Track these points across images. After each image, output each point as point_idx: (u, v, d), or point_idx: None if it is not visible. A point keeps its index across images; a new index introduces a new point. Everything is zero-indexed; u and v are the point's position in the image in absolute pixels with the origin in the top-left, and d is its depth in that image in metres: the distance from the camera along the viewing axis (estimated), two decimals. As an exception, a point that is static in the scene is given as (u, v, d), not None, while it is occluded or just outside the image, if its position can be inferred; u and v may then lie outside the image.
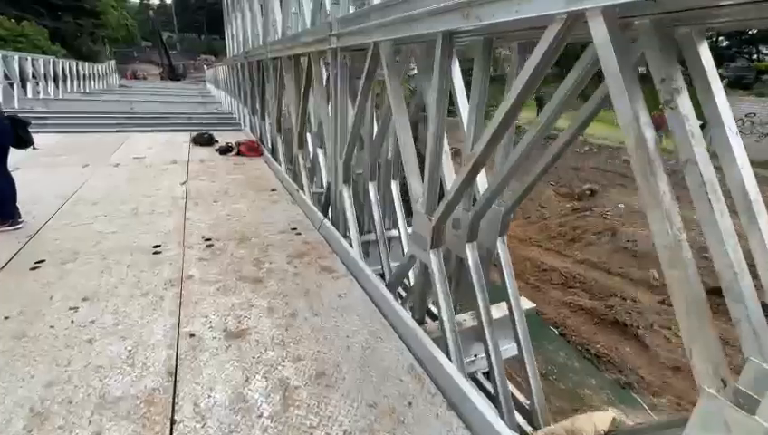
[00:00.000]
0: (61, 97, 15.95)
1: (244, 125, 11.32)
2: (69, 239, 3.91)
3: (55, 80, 16.36)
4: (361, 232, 4.83)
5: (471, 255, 2.99)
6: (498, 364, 2.94)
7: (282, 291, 3.21)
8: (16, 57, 13.88)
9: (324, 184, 5.29)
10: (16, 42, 22.32)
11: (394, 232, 5.12)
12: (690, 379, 7.57)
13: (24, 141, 4.08)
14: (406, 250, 4.60)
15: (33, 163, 6.40)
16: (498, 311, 3.39)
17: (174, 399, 2.10)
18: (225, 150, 8.23)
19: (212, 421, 1.98)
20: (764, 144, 15.82)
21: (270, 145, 8.11)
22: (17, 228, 4.06)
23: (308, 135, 6.13)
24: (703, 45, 1.70)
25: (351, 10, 3.66)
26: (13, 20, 23.89)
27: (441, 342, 2.81)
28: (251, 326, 2.74)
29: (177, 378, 2.25)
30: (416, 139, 3.32)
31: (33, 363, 2.29)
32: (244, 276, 3.40)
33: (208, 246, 3.94)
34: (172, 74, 41.59)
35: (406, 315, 2.84)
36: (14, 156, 4.27)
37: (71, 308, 2.82)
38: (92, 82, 22.36)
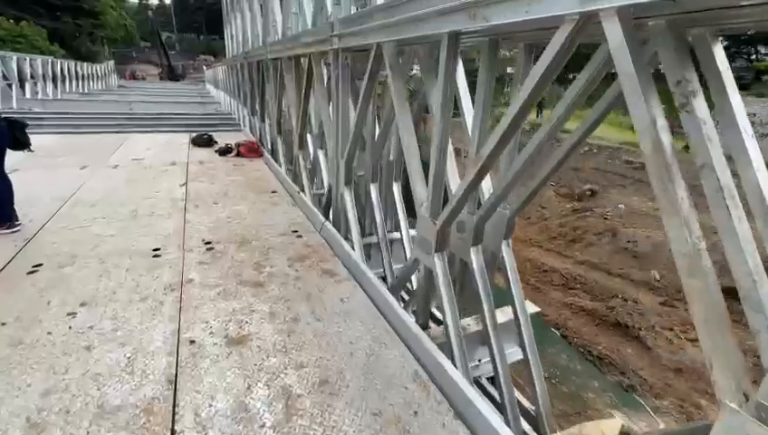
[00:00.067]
0: (59, 97, 15.88)
1: (244, 126, 11.27)
2: (67, 242, 3.86)
3: (54, 80, 16.29)
4: (363, 234, 4.79)
5: (476, 258, 2.95)
6: (504, 370, 2.89)
7: (283, 295, 3.16)
8: (14, 57, 13.81)
9: (325, 186, 5.24)
10: (15, 42, 22.27)
11: (396, 234, 5.07)
12: (692, 381, 7.56)
13: (21, 143, 4.03)
14: (408, 253, 4.57)
15: (31, 164, 6.34)
16: (502, 315, 3.35)
17: (174, 408, 2.05)
18: (224, 151, 8.18)
19: (213, 432, 1.93)
20: (765, 144, 15.82)
21: (270, 146, 8.06)
22: (14, 231, 4.01)
23: (308, 136, 6.08)
24: (717, 46, 1.66)
25: (353, 10, 3.61)
26: (11, 20, 23.82)
27: (445, 347, 2.77)
28: (252, 332, 2.69)
29: (178, 386, 2.20)
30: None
31: (30, 371, 2.24)
32: (245, 280, 3.35)
33: (208, 249, 3.89)
34: (171, 75, 41.53)
35: (409, 320, 2.79)
36: (12, 157, 4.21)
37: (68, 314, 2.77)
38: (91, 83, 22.29)
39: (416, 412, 2.13)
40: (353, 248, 4.01)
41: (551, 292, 11.69)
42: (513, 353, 3.49)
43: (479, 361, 3.55)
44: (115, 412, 2.00)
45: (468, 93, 3.23)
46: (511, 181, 2.48)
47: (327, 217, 4.72)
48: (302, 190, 5.54)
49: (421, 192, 2.92)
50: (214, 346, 2.53)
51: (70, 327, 2.63)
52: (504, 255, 3.06)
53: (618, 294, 11.01)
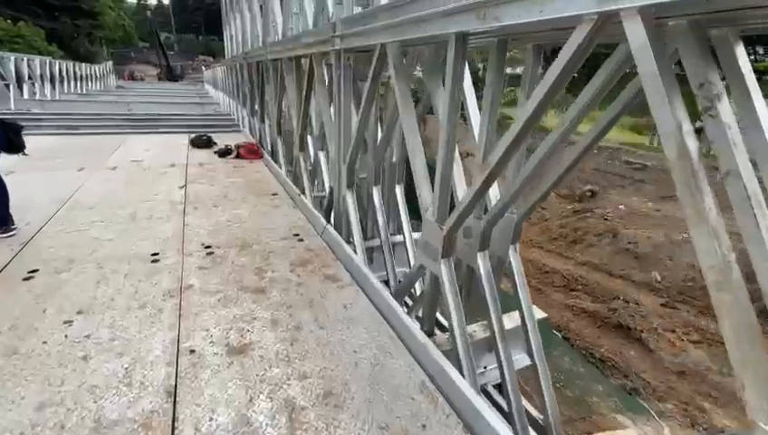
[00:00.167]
0: (57, 98, 15.79)
1: (243, 127, 11.19)
2: (64, 247, 3.78)
3: (52, 81, 16.22)
4: (365, 237, 4.71)
5: (483, 264, 2.88)
6: (512, 379, 2.83)
7: (285, 302, 3.08)
8: (12, 58, 13.73)
9: (326, 188, 5.17)
10: (13, 42, 22.18)
11: (398, 238, 5.00)
12: (696, 384, 7.49)
13: (16, 146, 3.95)
14: (411, 257, 4.50)
15: (28, 166, 6.26)
16: (509, 321, 3.28)
17: (173, 423, 1.98)
18: (224, 153, 8.10)
19: (214, 447, 1.86)
20: None
21: (270, 147, 7.98)
22: (10, 235, 3.93)
23: (309, 138, 6.01)
24: (739, 47, 1.60)
25: (356, 10, 3.54)
26: (9, 20, 23.71)
27: (452, 355, 2.70)
28: (254, 340, 2.62)
29: (177, 399, 2.12)
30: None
31: (24, 383, 2.16)
32: (246, 286, 3.27)
33: (208, 253, 3.81)
34: (170, 75, 41.47)
35: (415, 328, 2.72)
36: (8, 159, 4.13)
37: (65, 322, 2.69)
38: (89, 83, 22.20)
39: (424, 425, 2.06)
40: (355, 252, 3.94)
41: (552, 293, 11.64)
42: (520, 360, 3.42)
43: (485, 367, 3.49)
44: (112, 427, 1.93)
45: (474, 95, 3.17)
46: (519, 187, 2.41)
47: (328, 221, 4.65)
48: (303, 193, 5.47)
49: (426, 196, 2.85)
50: (214, 356, 2.46)
51: (66, 336, 2.56)
52: (512, 260, 3.00)
53: (619, 295, 10.96)
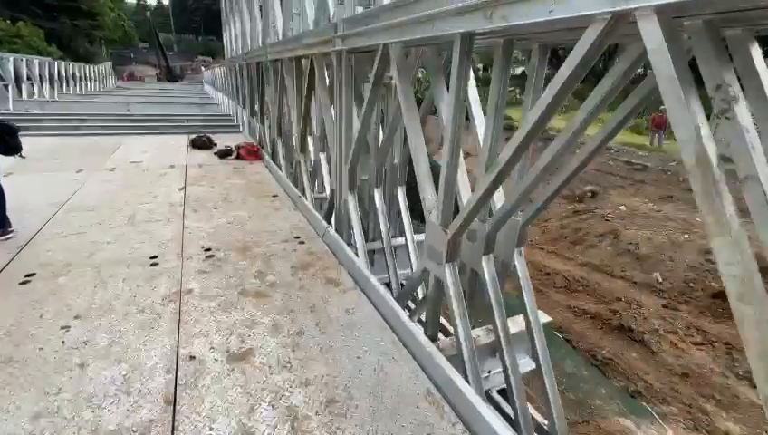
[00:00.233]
0: (56, 99, 15.72)
1: (243, 128, 11.14)
2: (62, 250, 3.73)
3: (51, 81, 16.15)
4: (366, 239, 4.66)
5: (487, 268, 2.83)
6: (517, 384, 2.78)
7: (286, 306, 3.03)
8: (11, 58, 13.67)
9: (327, 190, 5.12)
10: (11, 42, 22.13)
11: (399, 240, 4.95)
12: (698, 386, 7.44)
13: (12, 148, 3.90)
14: (413, 259, 4.45)
15: (26, 168, 6.20)
16: (513, 325, 3.24)
17: (173, 432, 1.93)
18: (224, 154, 8.05)
19: (215, 459, 1.81)
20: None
21: (270, 149, 7.93)
22: (7, 238, 3.88)
23: (309, 139, 5.96)
24: (755, 48, 1.55)
25: (358, 10, 3.50)
26: (8, 21, 23.65)
27: (456, 360, 2.65)
28: (255, 346, 2.57)
29: (177, 407, 2.07)
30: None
31: (20, 392, 2.11)
32: (247, 290, 3.22)
33: (208, 256, 3.76)
34: (169, 76, 41.41)
35: (419, 333, 2.67)
36: (5, 161, 4.08)
37: (62, 328, 2.64)
38: (88, 84, 22.13)
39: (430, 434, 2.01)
40: (357, 255, 3.89)
41: (553, 294, 11.59)
42: (524, 364, 3.37)
43: (488, 372, 3.44)
44: (110, 438, 1.88)
45: (477, 97, 3.12)
46: (526, 190, 2.36)
47: (329, 222, 4.60)
48: (304, 194, 5.42)
49: (430, 199, 2.80)
50: (214, 362, 2.41)
51: (63, 342, 2.50)
52: (517, 264, 2.95)
53: (620, 296, 10.92)
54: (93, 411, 2.01)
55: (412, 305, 4.45)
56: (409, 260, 4.67)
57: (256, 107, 9.00)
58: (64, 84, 18.03)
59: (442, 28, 2.27)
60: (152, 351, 2.47)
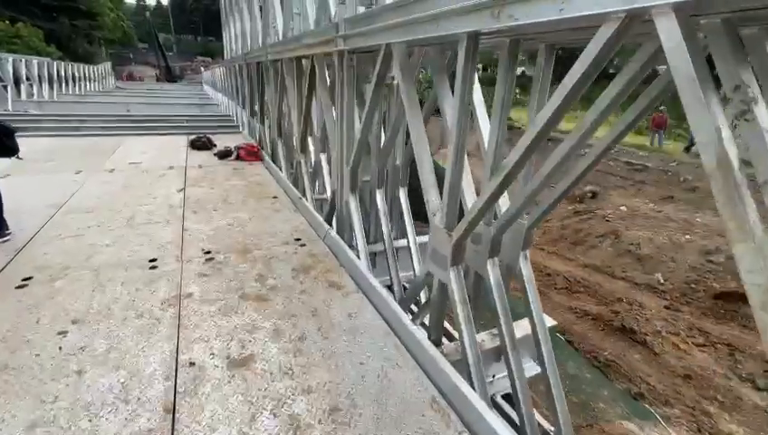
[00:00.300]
0: (55, 99, 15.67)
1: (243, 128, 11.09)
2: (59, 253, 3.68)
3: (50, 82, 16.08)
4: (367, 241, 4.61)
5: (492, 272, 2.78)
6: (523, 390, 2.73)
7: (288, 310, 2.98)
8: (10, 59, 13.60)
9: (328, 191, 5.07)
10: (10, 43, 22.07)
11: (401, 242, 4.90)
12: (701, 388, 7.40)
13: (9, 149, 3.85)
14: (416, 261, 4.39)
15: (24, 169, 6.14)
16: (518, 329, 3.18)
17: (172, 442, 1.88)
18: (223, 155, 8.00)
19: (215, 470, 1.76)
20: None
21: (270, 149, 7.88)
22: (4, 241, 3.83)
23: (309, 139, 5.91)
24: (772, 47, 1.50)
25: (360, 10, 3.45)
26: (7, 21, 23.59)
27: (460, 365, 2.60)
28: (256, 352, 2.52)
29: (176, 416, 2.02)
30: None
31: (16, 400, 2.06)
32: (247, 294, 3.17)
33: (208, 259, 3.71)
34: (168, 76, 41.38)
35: (423, 338, 2.62)
36: (2, 163, 4.03)
37: (59, 333, 2.59)
38: (88, 84, 22.06)
39: (435, 444, 1.96)
40: (359, 257, 3.84)
41: (554, 296, 11.54)
42: (529, 368, 3.32)
43: (493, 376, 3.39)
44: (107, 448, 1.83)
45: (481, 96, 3.08)
46: (531, 193, 2.31)
47: (330, 224, 4.55)
48: (304, 196, 5.37)
49: (434, 201, 2.75)
50: (215, 369, 2.36)
51: (60, 348, 2.45)
52: (522, 267, 2.90)
53: (622, 297, 10.87)
54: (90, 420, 1.96)
55: (414, 308, 4.40)
56: (411, 262, 4.61)
57: (256, 107, 8.95)
58: (63, 85, 17.97)
59: (447, 28, 2.23)
60: (151, 357, 2.42)
